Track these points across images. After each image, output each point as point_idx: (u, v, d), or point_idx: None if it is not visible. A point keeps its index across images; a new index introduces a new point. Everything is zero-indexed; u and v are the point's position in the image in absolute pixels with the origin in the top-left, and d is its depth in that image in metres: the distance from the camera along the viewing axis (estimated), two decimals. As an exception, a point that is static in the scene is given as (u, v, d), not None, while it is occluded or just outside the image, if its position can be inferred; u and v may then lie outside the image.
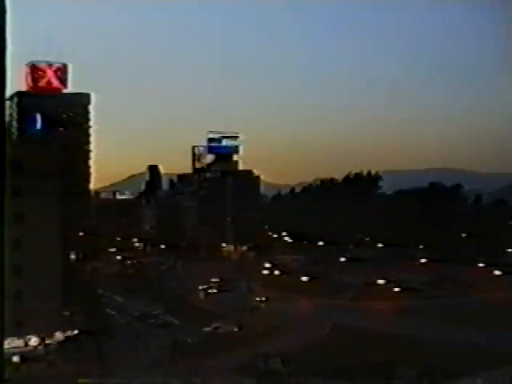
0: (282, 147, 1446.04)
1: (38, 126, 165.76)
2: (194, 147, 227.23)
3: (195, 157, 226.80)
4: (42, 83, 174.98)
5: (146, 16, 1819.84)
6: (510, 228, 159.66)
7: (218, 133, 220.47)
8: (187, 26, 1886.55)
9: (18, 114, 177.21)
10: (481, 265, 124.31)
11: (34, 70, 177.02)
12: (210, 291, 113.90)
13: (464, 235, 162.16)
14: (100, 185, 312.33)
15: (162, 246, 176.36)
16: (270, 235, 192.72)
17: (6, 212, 8.03)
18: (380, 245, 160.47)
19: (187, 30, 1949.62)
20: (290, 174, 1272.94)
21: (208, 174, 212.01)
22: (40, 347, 70.96)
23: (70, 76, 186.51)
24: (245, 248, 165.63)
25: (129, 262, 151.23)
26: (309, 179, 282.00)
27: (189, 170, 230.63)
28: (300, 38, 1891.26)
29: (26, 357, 69.40)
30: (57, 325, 73.08)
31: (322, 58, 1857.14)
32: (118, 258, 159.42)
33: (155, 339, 79.93)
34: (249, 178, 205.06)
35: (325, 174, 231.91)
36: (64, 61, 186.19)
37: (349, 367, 63.87)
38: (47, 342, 71.19)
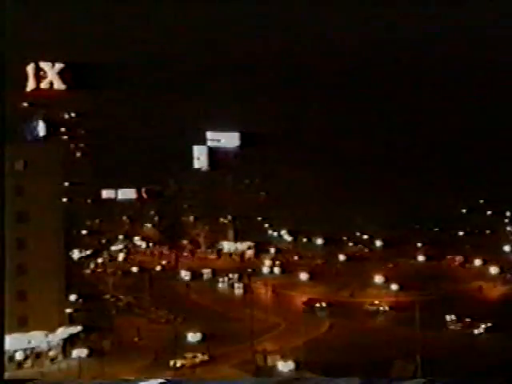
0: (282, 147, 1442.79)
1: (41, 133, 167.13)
2: (193, 147, 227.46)
3: (195, 156, 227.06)
4: (44, 84, 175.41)
5: (145, 15, 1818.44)
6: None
7: (218, 133, 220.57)
8: (187, 23, 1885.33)
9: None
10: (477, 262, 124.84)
11: (36, 70, 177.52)
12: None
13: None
14: (101, 184, 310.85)
15: (163, 245, 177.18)
16: (271, 233, 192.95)
17: (6, 212, 9.27)
18: (378, 243, 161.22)
19: (187, 28, 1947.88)
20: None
21: (208, 174, 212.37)
22: (43, 344, 71.86)
23: (71, 76, 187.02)
24: (245, 246, 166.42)
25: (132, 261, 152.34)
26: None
27: (188, 169, 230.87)
28: (299, 36, 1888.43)
29: (29, 353, 70.54)
30: (60, 321, 74.12)
31: (322, 54, 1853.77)
32: (121, 256, 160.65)
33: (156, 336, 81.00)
34: (248, 177, 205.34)
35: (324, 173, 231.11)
36: (65, 61, 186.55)
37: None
38: (50, 338, 72.15)
